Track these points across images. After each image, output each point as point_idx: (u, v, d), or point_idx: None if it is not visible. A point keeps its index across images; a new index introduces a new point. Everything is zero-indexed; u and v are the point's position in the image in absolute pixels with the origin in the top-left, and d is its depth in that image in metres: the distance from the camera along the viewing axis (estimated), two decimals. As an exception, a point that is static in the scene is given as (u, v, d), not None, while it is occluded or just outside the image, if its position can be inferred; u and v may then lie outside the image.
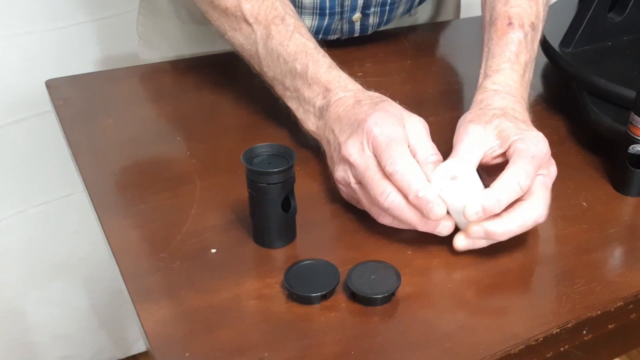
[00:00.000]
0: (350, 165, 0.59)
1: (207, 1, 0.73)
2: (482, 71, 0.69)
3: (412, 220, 0.56)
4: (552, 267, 0.57)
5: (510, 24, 0.69)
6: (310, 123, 0.67)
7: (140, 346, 1.50)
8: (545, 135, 0.74)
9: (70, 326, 1.38)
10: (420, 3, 0.94)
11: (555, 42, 0.78)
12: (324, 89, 0.65)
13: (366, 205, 0.59)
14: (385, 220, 0.58)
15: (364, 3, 0.85)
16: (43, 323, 1.36)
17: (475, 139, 0.60)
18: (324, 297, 0.53)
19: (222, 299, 0.53)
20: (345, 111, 0.62)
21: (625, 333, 0.57)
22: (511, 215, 0.56)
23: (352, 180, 0.59)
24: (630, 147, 0.63)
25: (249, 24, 0.69)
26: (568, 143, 0.73)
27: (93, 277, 1.35)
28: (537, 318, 0.52)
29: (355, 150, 0.58)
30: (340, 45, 0.91)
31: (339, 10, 0.85)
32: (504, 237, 0.56)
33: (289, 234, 0.59)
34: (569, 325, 0.52)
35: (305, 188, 0.63)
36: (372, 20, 0.89)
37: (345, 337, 0.50)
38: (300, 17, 0.85)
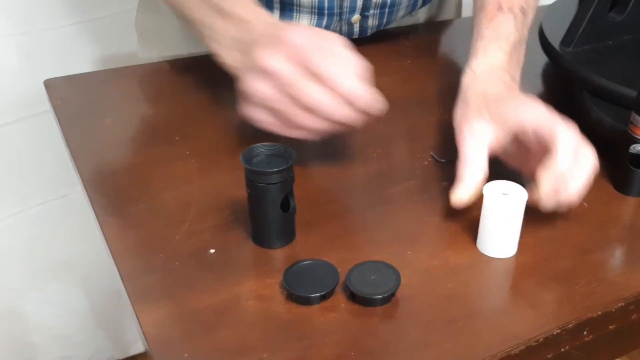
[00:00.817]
0: (271, 74, 0.58)
1: None
2: (469, 54, 0.70)
3: (348, 115, 0.57)
4: (553, 267, 0.57)
5: (499, 8, 0.71)
6: (230, 58, 0.65)
7: (138, 347, 1.49)
8: (546, 134, 0.74)
9: (69, 326, 1.38)
10: (422, 5, 0.94)
11: (555, 42, 0.78)
12: (245, 23, 0.65)
13: (285, 117, 0.59)
14: (305, 127, 0.59)
15: (362, 5, 0.85)
16: (42, 323, 1.36)
17: (476, 138, 0.60)
18: (324, 298, 0.53)
19: (221, 299, 0.53)
20: (261, 33, 0.62)
21: (626, 334, 0.57)
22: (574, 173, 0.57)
23: (274, 92, 0.59)
24: (631, 147, 0.63)
25: None
26: (568, 143, 0.73)
27: (91, 278, 1.35)
28: (538, 319, 0.52)
29: (276, 60, 0.58)
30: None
31: (338, 11, 0.85)
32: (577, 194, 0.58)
33: (288, 234, 0.59)
34: (570, 326, 0.52)
35: (305, 188, 0.63)
36: (371, 22, 0.89)
37: (345, 338, 0.50)
38: (294, 17, 0.86)
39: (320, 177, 0.67)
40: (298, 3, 0.83)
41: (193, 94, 0.82)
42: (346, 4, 0.84)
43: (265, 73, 0.58)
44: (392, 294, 0.53)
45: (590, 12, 0.76)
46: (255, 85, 0.59)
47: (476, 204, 0.59)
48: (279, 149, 0.57)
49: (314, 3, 0.83)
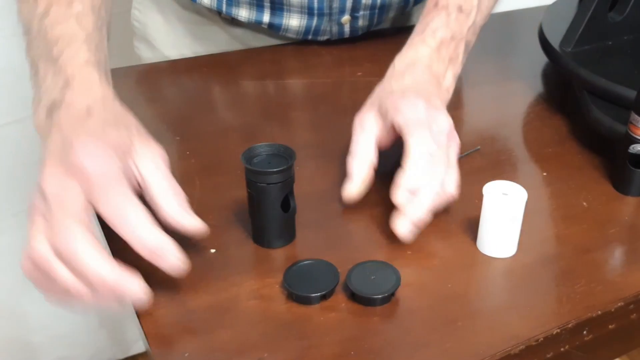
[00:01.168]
0: (42, 195, 0.48)
1: None
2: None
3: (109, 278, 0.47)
4: (552, 267, 0.57)
5: (435, 5, 0.69)
6: (37, 116, 0.55)
7: (139, 346, 1.49)
8: (546, 135, 0.75)
9: (70, 326, 1.38)
10: (415, 5, 0.94)
11: (555, 42, 0.78)
12: (65, 84, 0.54)
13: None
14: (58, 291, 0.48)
15: (352, 6, 0.85)
16: (43, 323, 1.35)
17: (364, 130, 0.61)
18: (324, 298, 0.53)
19: (222, 299, 0.53)
20: (70, 121, 0.52)
21: (625, 333, 0.57)
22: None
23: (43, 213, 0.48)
24: (631, 147, 0.63)
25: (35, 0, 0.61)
26: (568, 143, 0.73)
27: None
28: (538, 318, 0.52)
29: (53, 180, 0.48)
30: (339, 45, 0.91)
31: (328, 12, 0.85)
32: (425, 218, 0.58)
33: (288, 233, 0.59)
34: (570, 326, 0.52)
35: (305, 188, 0.63)
36: (362, 22, 0.89)
37: (345, 338, 0.50)
38: (284, 16, 0.84)
39: (320, 176, 0.67)
40: (288, 2, 0.83)
41: (193, 94, 0.82)
42: (335, 4, 0.84)
43: (40, 191, 0.48)
44: (392, 294, 0.53)
45: (590, 12, 0.76)
46: (33, 198, 0.49)
47: (476, 204, 0.59)
48: (279, 148, 0.57)
49: (303, 3, 0.83)
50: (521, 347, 0.50)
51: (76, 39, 0.58)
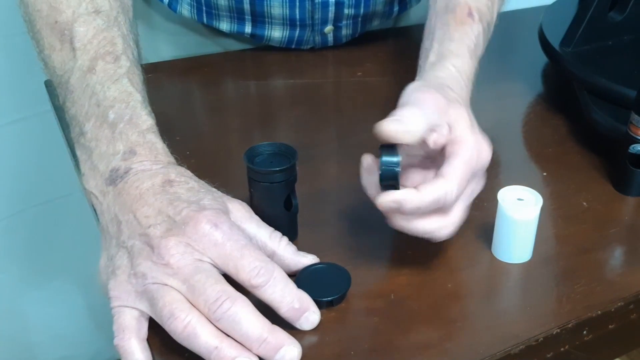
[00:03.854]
0: (171, 268, 0.47)
1: (34, 6, 0.62)
2: (435, 51, 0.63)
3: (261, 330, 0.47)
4: (552, 267, 0.57)
5: (470, 14, 0.65)
6: (93, 183, 0.54)
7: (139, 346, 1.49)
8: (546, 135, 0.75)
9: (70, 326, 1.38)
10: (400, 12, 0.93)
11: (555, 42, 0.78)
12: (128, 150, 0.53)
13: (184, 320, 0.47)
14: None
15: (335, 16, 0.85)
16: (43, 323, 1.36)
17: (430, 106, 0.53)
18: (330, 304, 0.52)
19: (222, 299, 0.53)
20: (152, 192, 0.51)
21: (625, 333, 0.57)
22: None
23: (172, 283, 0.48)
24: (631, 147, 0.63)
25: (73, 49, 0.58)
26: (568, 143, 0.73)
27: (92, 277, 1.35)
28: (537, 318, 0.52)
29: (179, 251, 0.48)
30: (340, 45, 0.91)
31: (310, 22, 0.84)
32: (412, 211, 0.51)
33: (290, 232, 0.58)
34: (569, 326, 0.52)
35: (305, 188, 0.63)
36: (345, 31, 0.89)
37: (345, 337, 0.50)
38: (266, 28, 0.82)
39: (322, 176, 0.67)
40: (269, 15, 0.83)
41: (193, 94, 0.82)
42: (317, 15, 0.84)
43: (166, 265, 0.47)
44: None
45: (590, 12, 0.76)
46: (149, 273, 0.48)
47: (474, 203, 0.59)
48: (281, 147, 0.57)
49: (285, 15, 0.83)
50: (521, 347, 0.50)
51: (134, 101, 0.56)
